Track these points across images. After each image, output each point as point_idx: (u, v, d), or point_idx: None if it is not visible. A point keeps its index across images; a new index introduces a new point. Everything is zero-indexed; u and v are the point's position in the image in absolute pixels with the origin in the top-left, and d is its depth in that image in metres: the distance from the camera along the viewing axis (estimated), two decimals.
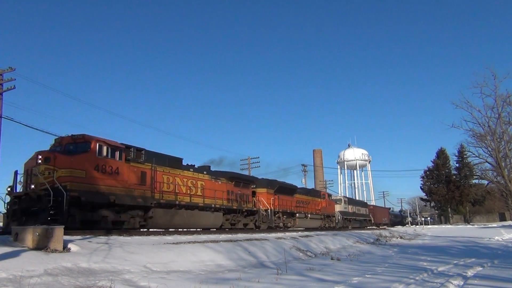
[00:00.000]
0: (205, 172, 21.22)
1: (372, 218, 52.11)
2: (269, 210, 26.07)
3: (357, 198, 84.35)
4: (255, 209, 25.14)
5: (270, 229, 25.61)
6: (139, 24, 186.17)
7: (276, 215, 27.45)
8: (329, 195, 39.63)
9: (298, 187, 34.07)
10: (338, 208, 39.83)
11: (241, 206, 23.60)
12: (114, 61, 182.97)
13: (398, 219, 75.37)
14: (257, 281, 9.10)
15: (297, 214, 30.49)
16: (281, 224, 27.97)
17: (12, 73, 26.28)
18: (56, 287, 7.40)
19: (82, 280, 7.96)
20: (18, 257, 8.27)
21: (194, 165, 21.01)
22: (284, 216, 28.68)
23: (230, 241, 15.25)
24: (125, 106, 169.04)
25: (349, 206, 43.40)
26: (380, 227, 51.97)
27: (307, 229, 29.72)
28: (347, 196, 54.30)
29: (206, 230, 20.18)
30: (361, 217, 47.38)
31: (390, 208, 78.22)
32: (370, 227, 48.41)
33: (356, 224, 44.42)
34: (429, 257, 16.13)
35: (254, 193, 26.02)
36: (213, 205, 20.62)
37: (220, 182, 22.13)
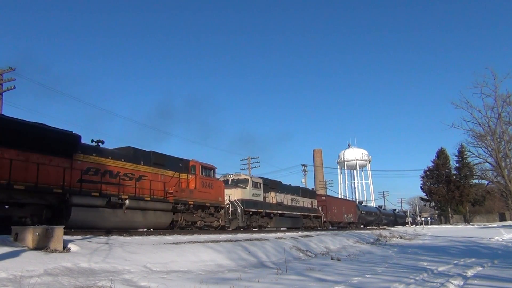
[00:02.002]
0: None
1: (323, 214, 35.94)
2: None
3: (357, 198, 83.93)
4: None
5: None
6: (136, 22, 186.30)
7: None
8: (209, 169, 21.06)
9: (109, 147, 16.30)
10: (238, 194, 23.75)
11: None
12: (113, 61, 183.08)
13: (373, 217, 53.23)
14: (257, 281, 9.09)
15: (74, 199, 13.38)
16: None
17: (12, 73, 26.39)
18: (56, 287, 7.40)
19: (82, 280, 7.96)
20: (18, 257, 8.27)
21: None
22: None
23: (230, 241, 15.26)
24: (126, 106, 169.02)
25: (270, 193, 27.21)
26: (339, 226, 39.89)
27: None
28: (269, 179, 29.54)
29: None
30: (298, 212, 30.75)
31: (361, 202, 61.05)
32: (317, 227, 34.37)
33: (286, 223, 28.64)
34: (429, 257, 16.13)
35: None
36: None
37: None
